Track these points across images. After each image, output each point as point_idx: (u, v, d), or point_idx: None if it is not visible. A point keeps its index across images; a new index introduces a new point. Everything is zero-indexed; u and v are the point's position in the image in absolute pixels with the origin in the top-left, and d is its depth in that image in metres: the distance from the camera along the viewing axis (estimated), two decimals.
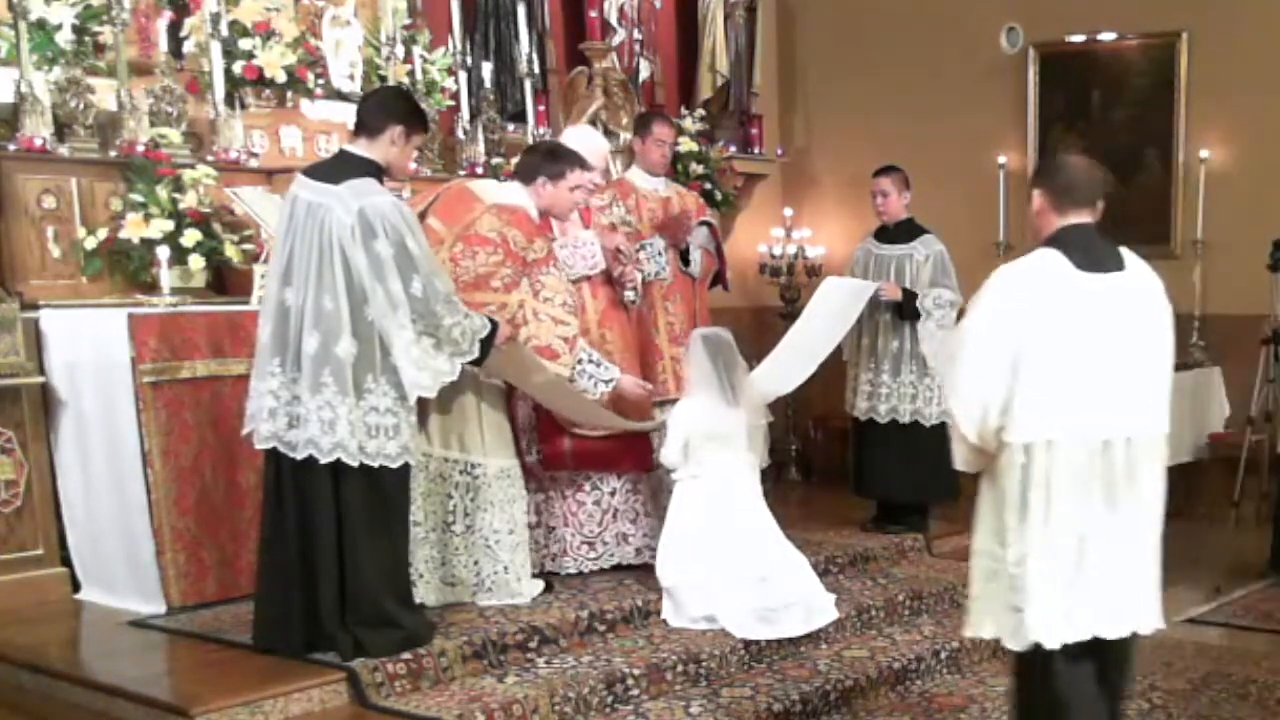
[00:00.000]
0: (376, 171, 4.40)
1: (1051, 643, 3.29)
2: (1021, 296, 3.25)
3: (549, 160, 5.07)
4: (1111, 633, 3.32)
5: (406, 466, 4.42)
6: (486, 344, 4.47)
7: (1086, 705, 3.39)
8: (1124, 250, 3.38)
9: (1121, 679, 3.52)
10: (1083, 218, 3.33)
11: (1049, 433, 3.24)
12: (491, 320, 4.54)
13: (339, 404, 4.24)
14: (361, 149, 4.43)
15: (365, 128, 4.43)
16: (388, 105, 4.51)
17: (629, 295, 5.52)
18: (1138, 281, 3.36)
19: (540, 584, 5.14)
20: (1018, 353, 3.22)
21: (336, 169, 4.40)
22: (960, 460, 3.43)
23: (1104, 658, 3.38)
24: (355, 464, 4.27)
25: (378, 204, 4.28)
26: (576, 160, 5.08)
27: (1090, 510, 3.27)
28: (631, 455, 5.46)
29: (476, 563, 5.00)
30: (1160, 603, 3.42)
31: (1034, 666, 3.37)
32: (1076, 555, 3.27)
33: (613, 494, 5.47)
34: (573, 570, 5.41)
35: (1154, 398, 3.35)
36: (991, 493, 3.38)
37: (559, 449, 5.33)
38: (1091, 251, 3.29)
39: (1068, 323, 3.23)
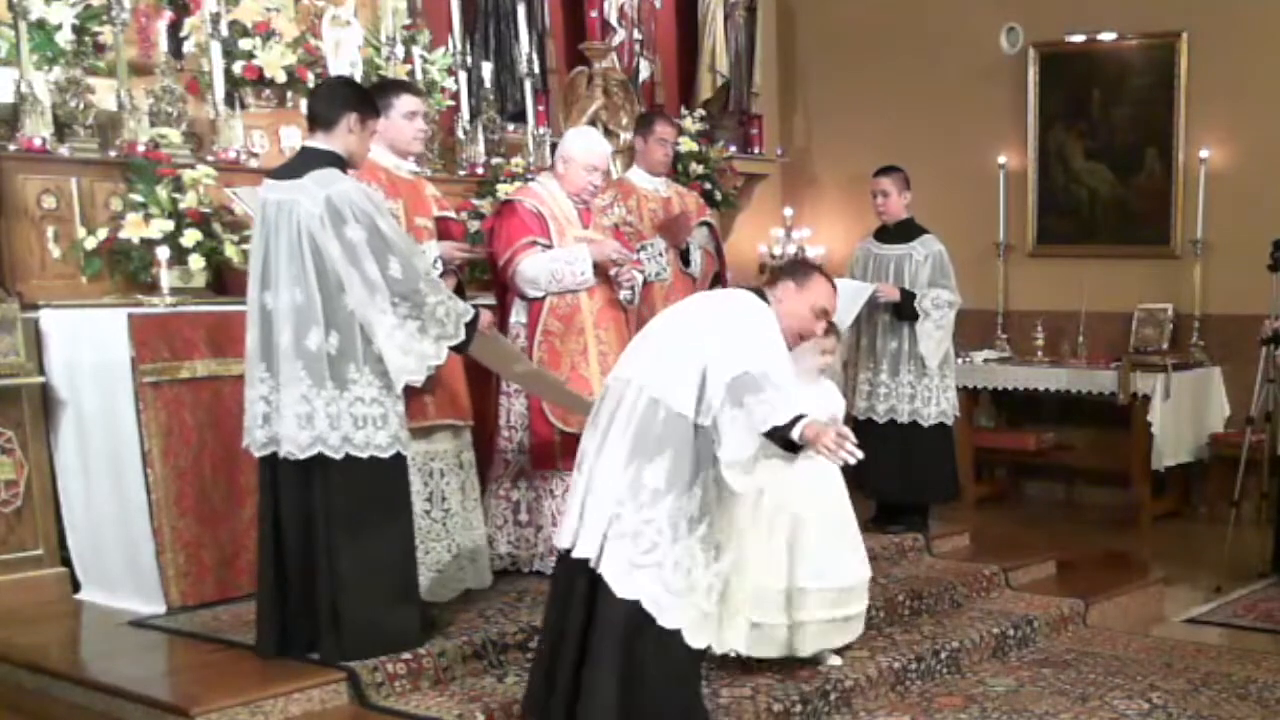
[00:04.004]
0: (339, 163, 4.35)
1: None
2: None
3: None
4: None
5: (399, 458, 4.36)
6: (470, 328, 4.39)
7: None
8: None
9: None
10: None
11: None
12: (474, 306, 4.50)
13: (314, 397, 4.20)
14: (321, 142, 4.38)
15: (320, 120, 4.39)
16: (338, 95, 4.46)
17: (625, 295, 5.51)
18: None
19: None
20: None
21: (298, 165, 4.38)
22: None
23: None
24: (339, 457, 4.22)
25: (344, 190, 4.25)
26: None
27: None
28: None
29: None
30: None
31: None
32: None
33: None
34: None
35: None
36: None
37: (548, 446, 5.33)
38: None
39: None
